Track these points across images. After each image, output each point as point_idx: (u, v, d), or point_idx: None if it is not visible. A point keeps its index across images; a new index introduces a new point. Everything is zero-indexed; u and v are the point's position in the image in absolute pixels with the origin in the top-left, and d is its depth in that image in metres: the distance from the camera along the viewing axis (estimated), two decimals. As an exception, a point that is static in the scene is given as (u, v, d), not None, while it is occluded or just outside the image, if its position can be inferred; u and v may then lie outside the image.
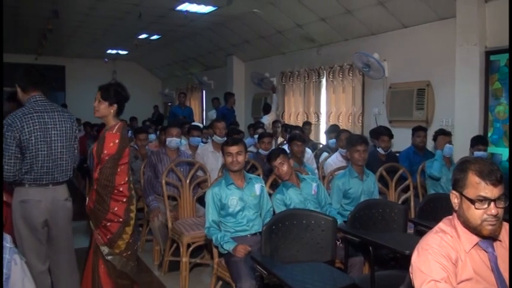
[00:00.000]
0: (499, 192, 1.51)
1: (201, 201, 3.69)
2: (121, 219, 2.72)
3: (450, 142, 4.25)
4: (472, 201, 1.52)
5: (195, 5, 6.97)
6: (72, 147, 2.86)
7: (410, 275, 1.56)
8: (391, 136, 4.63)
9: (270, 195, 3.23)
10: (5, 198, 2.76)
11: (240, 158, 2.96)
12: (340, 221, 3.08)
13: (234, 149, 2.96)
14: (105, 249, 2.73)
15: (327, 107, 7.29)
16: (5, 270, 1.60)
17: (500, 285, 1.54)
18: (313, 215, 2.67)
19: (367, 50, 5.92)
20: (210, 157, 4.63)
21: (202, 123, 9.55)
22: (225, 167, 3.34)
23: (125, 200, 2.74)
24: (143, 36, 9.50)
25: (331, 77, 7.08)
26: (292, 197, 3.15)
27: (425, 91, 5.50)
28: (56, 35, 8.84)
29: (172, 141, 4.15)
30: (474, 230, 1.55)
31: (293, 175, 3.25)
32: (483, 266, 1.56)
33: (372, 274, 2.46)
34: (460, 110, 4.91)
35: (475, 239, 1.57)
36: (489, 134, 4.75)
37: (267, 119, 7.33)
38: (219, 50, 9.59)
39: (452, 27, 4.99)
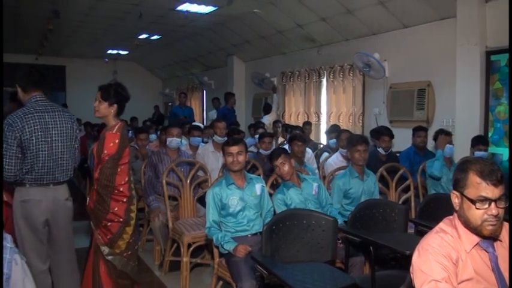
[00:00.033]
0: (500, 193, 1.51)
1: (202, 201, 3.69)
2: (121, 219, 2.72)
3: (451, 142, 4.25)
4: (473, 202, 1.52)
5: (195, 5, 6.97)
6: (72, 147, 2.86)
7: (411, 275, 1.55)
8: (391, 136, 4.63)
9: (270, 195, 3.23)
10: (5, 198, 2.77)
11: (241, 158, 2.97)
12: (340, 221, 3.08)
13: (234, 149, 2.96)
14: (105, 249, 2.73)
15: (327, 107, 7.29)
16: (5, 270, 1.60)
17: (500, 285, 1.54)
18: (314, 215, 2.67)
19: (367, 50, 5.92)
20: (210, 157, 4.63)
21: (203, 123, 9.55)
22: (225, 167, 3.34)
23: (125, 200, 2.74)
24: (143, 36, 9.51)
25: (331, 77, 7.08)
26: (293, 197, 3.15)
27: (425, 91, 5.50)
28: (56, 35, 8.85)
29: (172, 141, 4.15)
30: (475, 230, 1.55)
31: (294, 175, 3.25)
32: (484, 266, 1.56)
33: (373, 274, 2.46)
34: (460, 110, 4.91)
35: (476, 239, 1.57)
36: (490, 134, 4.75)
37: (268, 119, 7.33)
38: (220, 50, 9.59)
39: (452, 27, 4.99)
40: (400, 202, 3.73)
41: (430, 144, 4.84)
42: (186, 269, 3.42)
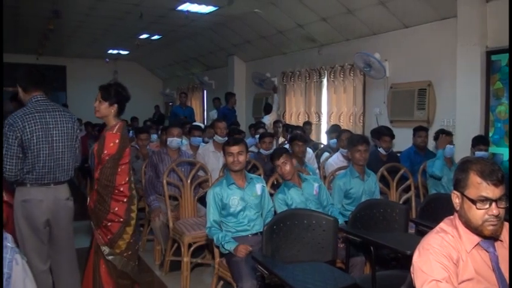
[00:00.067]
0: (501, 193, 1.51)
1: (202, 201, 3.69)
2: (122, 219, 2.73)
3: (451, 142, 4.25)
4: (474, 202, 1.52)
5: (195, 5, 6.96)
6: (73, 147, 2.86)
7: (412, 275, 1.55)
8: (392, 136, 4.63)
9: (271, 195, 3.23)
10: (6, 198, 2.77)
11: (241, 158, 2.97)
12: (341, 221, 3.08)
13: (235, 149, 2.96)
14: (105, 249, 2.74)
15: (328, 107, 7.28)
16: (6, 270, 1.60)
17: (501, 285, 1.54)
18: (314, 215, 2.67)
19: (368, 50, 5.92)
20: (211, 157, 4.63)
21: (203, 123, 9.55)
22: (226, 167, 3.34)
23: (125, 200, 2.75)
24: (144, 36, 9.51)
25: (332, 77, 7.08)
26: (294, 197, 3.14)
27: (426, 91, 5.50)
28: (57, 35, 8.86)
29: (173, 141, 4.15)
30: (475, 230, 1.55)
31: (295, 175, 3.24)
32: (484, 266, 1.56)
33: (373, 274, 2.46)
34: (461, 110, 4.91)
35: (476, 239, 1.57)
36: (490, 134, 4.74)
37: (268, 119, 7.33)
38: (220, 50, 9.60)
39: (453, 27, 4.99)
40: (400, 202, 3.72)
41: (431, 144, 4.84)
42: (186, 269, 3.42)
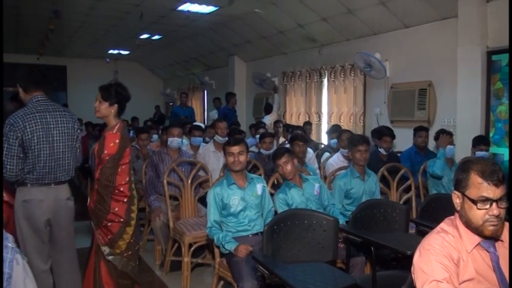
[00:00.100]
0: (501, 193, 1.51)
1: (203, 201, 3.69)
2: (122, 220, 2.73)
3: (452, 142, 4.24)
4: (474, 202, 1.52)
5: (196, 5, 6.97)
6: (74, 147, 2.86)
7: (412, 275, 1.55)
8: (393, 136, 4.63)
9: (271, 195, 3.23)
10: (7, 199, 2.77)
11: (242, 158, 2.97)
12: (342, 221, 3.08)
13: (235, 149, 2.96)
14: (106, 249, 2.74)
15: (328, 107, 7.28)
16: (7, 270, 1.60)
17: (502, 286, 1.54)
18: (315, 215, 2.67)
19: (368, 50, 5.92)
20: (211, 157, 4.63)
21: (204, 123, 9.56)
22: (226, 167, 3.34)
23: (125, 200, 2.75)
24: (145, 36, 9.51)
25: (332, 77, 7.08)
26: (295, 197, 3.14)
27: (427, 91, 5.50)
28: (57, 35, 8.85)
29: (173, 141, 4.16)
30: (476, 230, 1.55)
31: (296, 175, 3.24)
32: (485, 266, 1.56)
33: (374, 274, 2.46)
34: (461, 110, 4.90)
35: (477, 239, 1.57)
36: (491, 134, 4.74)
37: (269, 119, 7.33)
38: (221, 50, 9.60)
39: (453, 27, 4.98)
40: (401, 202, 3.72)
41: (431, 144, 4.84)
42: (187, 269, 3.42)
